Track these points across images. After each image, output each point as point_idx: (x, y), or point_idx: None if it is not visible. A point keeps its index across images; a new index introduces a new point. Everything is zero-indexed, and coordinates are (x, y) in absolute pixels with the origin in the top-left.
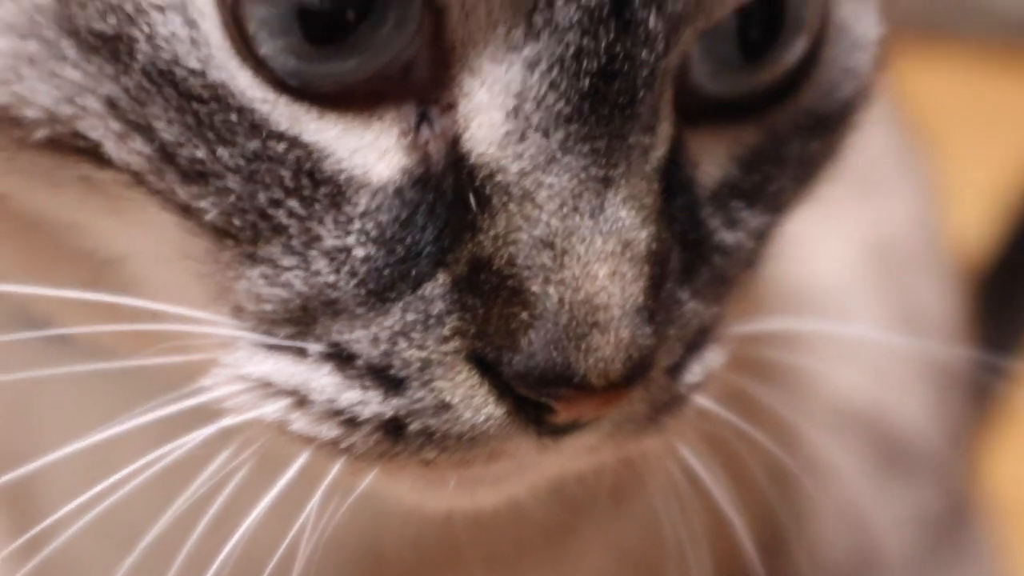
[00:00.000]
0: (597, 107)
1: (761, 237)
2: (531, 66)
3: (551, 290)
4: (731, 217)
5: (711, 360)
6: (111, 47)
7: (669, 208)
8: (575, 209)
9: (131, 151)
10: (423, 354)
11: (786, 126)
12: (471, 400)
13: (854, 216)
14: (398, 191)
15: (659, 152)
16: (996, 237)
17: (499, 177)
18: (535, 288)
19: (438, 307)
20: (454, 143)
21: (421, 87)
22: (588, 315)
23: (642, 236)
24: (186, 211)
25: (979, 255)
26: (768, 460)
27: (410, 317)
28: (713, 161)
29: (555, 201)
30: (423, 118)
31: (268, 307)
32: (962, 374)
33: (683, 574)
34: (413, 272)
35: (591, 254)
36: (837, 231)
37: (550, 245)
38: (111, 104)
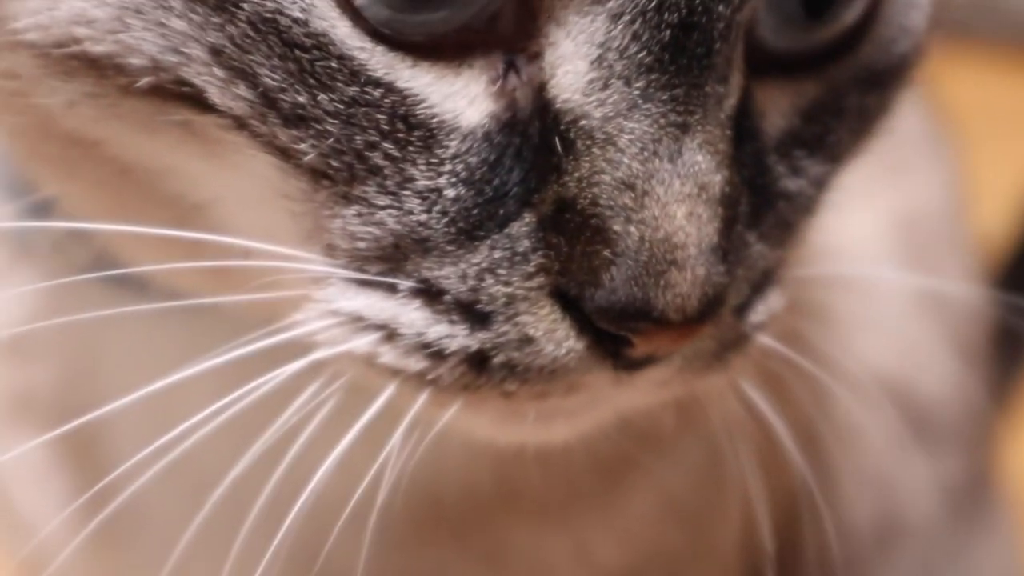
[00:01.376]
0: (676, 57)
1: (820, 185)
2: (615, 18)
3: (632, 229)
4: (794, 165)
5: (774, 301)
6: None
7: (739, 154)
8: (655, 153)
9: (235, 96)
10: (509, 289)
11: (845, 80)
12: (553, 334)
13: (885, 191)
14: (487, 135)
15: (731, 101)
16: (1015, 236)
17: (583, 122)
18: (617, 227)
19: (524, 245)
20: (540, 90)
21: (508, 36)
22: (667, 253)
23: (716, 179)
24: (285, 153)
25: (998, 253)
26: (805, 412)
27: (497, 254)
28: (778, 112)
29: (636, 145)
30: (510, 66)
31: (361, 244)
32: (983, 349)
33: (740, 512)
34: (500, 212)
35: (670, 195)
36: (869, 204)
37: (631, 187)
38: (216, 52)
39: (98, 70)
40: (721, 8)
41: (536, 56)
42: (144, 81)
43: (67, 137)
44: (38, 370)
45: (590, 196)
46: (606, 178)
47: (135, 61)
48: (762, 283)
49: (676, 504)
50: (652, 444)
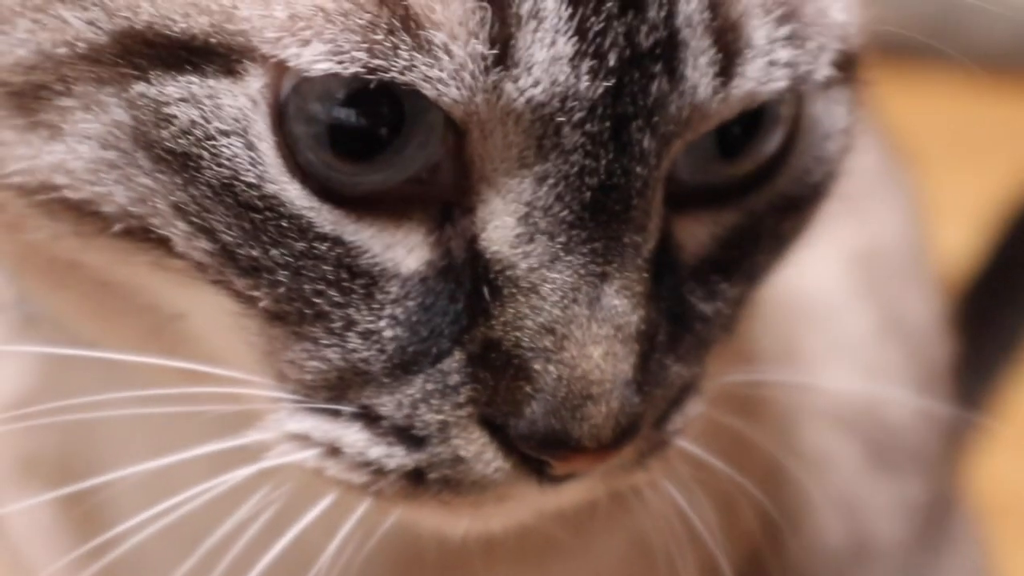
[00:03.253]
0: (596, 215)
1: (738, 304)
2: (540, 180)
3: (551, 368)
4: (711, 290)
5: (691, 410)
6: (180, 162)
7: (658, 289)
8: (574, 300)
9: (196, 248)
10: (441, 417)
11: (762, 208)
12: (482, 455)
13: (844, 227)
14: (423, 280)
15: (650, 245)
16: (979, 257)
17: (510, 272)
18: (537, 367)
19: (455, 379)
20: (472, 241)
21: (445, 191)
22: (583, 389)
23: (632, 320)
24: (242, 297)
25: (962, 275)
26: (768, 458)
27: (430, 386)
28: (695, 241)
29: (557, 294)
30: (447, 217)
31: (308, 376)
32: (944, 374)
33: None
34: (434, 350)
35: (587, 338)
36: (828, 240)
37: (551, 331)
38: (178, 209)
39: (77, 212)
40: (639, 169)
41: (470, 210)
42: (117, 226)
43: (53, 259)
44: (42, 435)
45: (513, 339)
46: (528, 323)
47: (108, 209)
48: (680, 396)
49: (643, 542)
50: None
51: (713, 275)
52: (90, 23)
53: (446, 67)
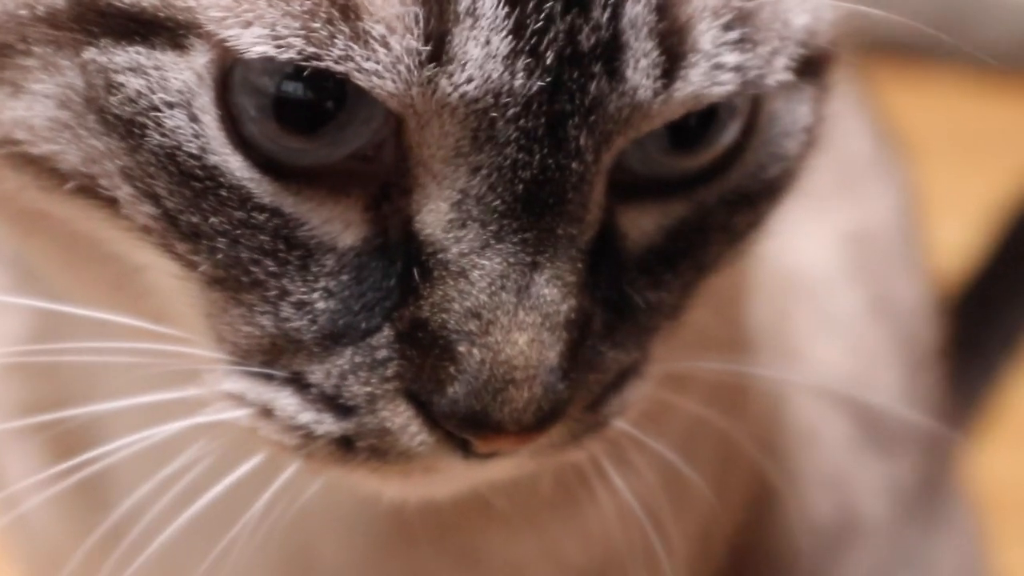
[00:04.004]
0: (529, 206)
1: (684, 293)
2: (474, 170)
3: (475, 351)
4: (655, 279)
5: (631, 394)
6: (126, 129)
7: (595, 278)
8: (502, 287)
9: (140, 212)
10: (368, 389)
11: (713, 200)
12: (407, 428)
13: (836, 208)
14: (358, 256)
15: (586, 236)
16: (979, 255)
17: (441, 255)
18: (462, 349)
19: (383, 353)
20: (407, 222)
21: (386, 170)
22: (506, 374)
23: (562, 309)
24: (183, 261)
25: (963, 272)
26: (759, 434)
27: (358, 359)
28: (641, 231)
29: (486, 280)
30: (385, 196)
31: (243, 341)
32: (931, 358)
33: (703, 514)
34: (364, 324)
35: (513, 324)
36: (821, 221)
37: (477, 316)
38: (125, 173)
39: (37, 167)
40: (574, 165)
41: (407, 192)
42: (71, 183)
43: (22, 209)
44: (40, 384)
45: (440, 320)
46: (456, 306)
47: (63, 167)
48: (619, 381)
49: (634, 508)
50: (612, 453)
51: (658, 265)
52: None
53: (382, 59)
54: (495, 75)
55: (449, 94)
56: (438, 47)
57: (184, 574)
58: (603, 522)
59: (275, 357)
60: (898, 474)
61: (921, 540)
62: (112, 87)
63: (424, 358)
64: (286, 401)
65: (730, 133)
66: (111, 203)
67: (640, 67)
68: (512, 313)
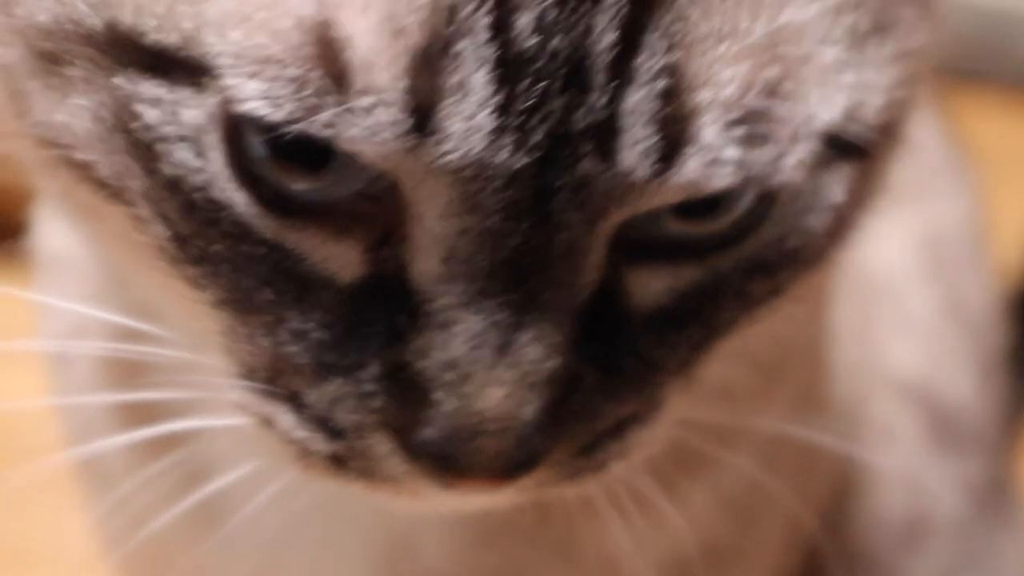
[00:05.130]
0: (515, 271)
1: (693, 352)
2: (462, 232)
3: (452, 399)
4: (660, 338)
5: (633, 440)
6: (143, 153)
7: (592, 333)
8: (482, 343)
9: (155, 231)
10: (355, 418)
11: (728, 267)
12: (389, 457)
13: (913, 212)
14: (353, 294)
15: (578, 299)
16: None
17: (427, 306)
18: (437, 396)
19: (369, 387)
20: (402, 268)
21: (386, 215)
22: (477, 425)
23: (543, 368)
24: (192, 283)
25: (1014, 286)
26: (839, 434)
27: (347, 389)
28: (649, 292)
29: (466, 335)
30: (384, 240)
31: (247, 358)
32: (1000, 361)
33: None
34: (354, 358)
35: (489, 379)
36: (898, 223)
37: (454, 367)
38: (144, 193)
39: (80, 171)
40: (562, 237)
41: (403, 240)
42: (106, 192)
43: (82, 202)
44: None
45: (420, 366)
46: (436, 355)
47: (100, 174)
48: (619, 428)
49: (729, 503)
50: (700, 459)
51: (665, 325)
52: (91, 6)
53: (368, 126)
54: (477, 149)
55: (434, 162)
56: (423, 119)
57: (285, 568)
58: (692, 522)
59: (276, 376)
60: (969, 474)
61: (988, 540)
62: (134, 114)
63: (405, 397)
64: (284, 417)
65: (742, 205)
66: (137, 217)
67: (636, 151)
68: (489, 368)
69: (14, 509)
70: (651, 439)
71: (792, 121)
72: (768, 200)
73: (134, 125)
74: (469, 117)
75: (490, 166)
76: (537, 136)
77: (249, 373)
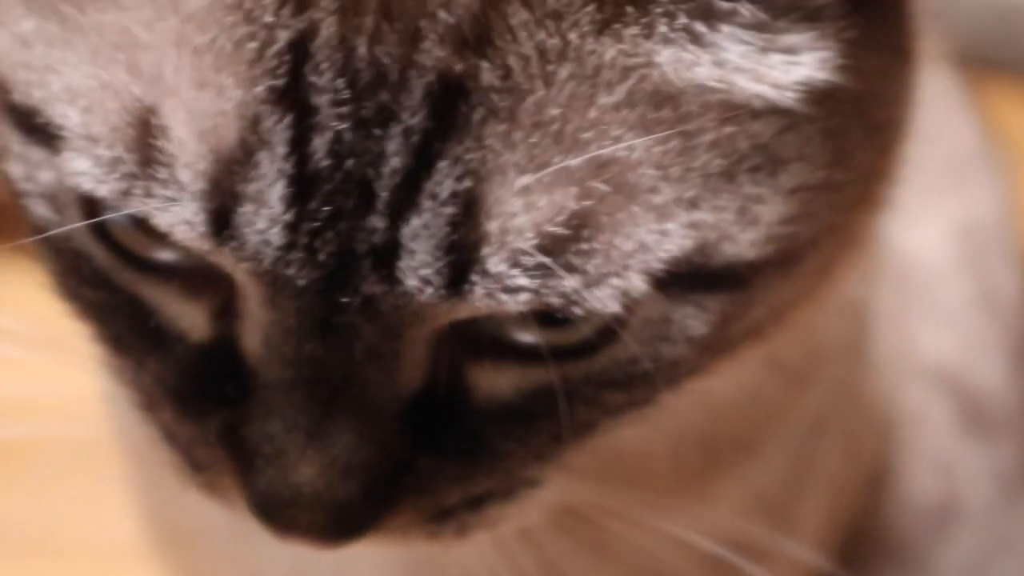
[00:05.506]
0: (321, 368)
1: (549, 444)
2: (274, 323)
3: (268, 469)
4: (505, 431)
5: (495, 513)
6: (20, 196)
7: (429, 421)
8: (294, 427)
9: (47, 259)
10: (206, 457)
11: (578, 376)
12: (239, 501)
13: (946, 200)
14: (200, 350)
15: (395, 395)
16: None
17: (252, 380)
18: (258, 462)
19: (211, 437)
20: (237, 339)
21: (226, 287)
22: (292, 496)
23: (356, 456)
24: (72, 315)
25: None
26: (876, 419)
27: (196, 433)
28: (493, 387)
29: (282, 416)
30: (227, 308)
31: (124, 388)
32: None
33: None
34: (201, 408)
35: (301, 460)
36: (932, 212)
37: (272, 441)
38: (37, 226)
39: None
40: (357, 348)
41: (237, 314)
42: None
43: None
44: None
45: (245, 432)
46: (256, 425)
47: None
48: (476, 502)
49: (763, 499)
50: (741, 448)
51: (511, 421)
52: None
53: (171, 218)
54: (268, 261)
55: (235, 261)
56: (222, 221)
57: (317, 568)
58: (732, 512)
59: (150, 407)
60: (999, 461)
61: (1018, 527)
62: (9, 160)
63: (238, 452)
64: (161, 445)
65: (583, 327)
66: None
67: (417, 275)
68: (301, 450)
69: (37, 497)
70: (521, 510)
71: (606, 254)
72: (621, 322)
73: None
74: (261, 231)
75: (282, 279)
76: (323, 255)
77: (132, 401)
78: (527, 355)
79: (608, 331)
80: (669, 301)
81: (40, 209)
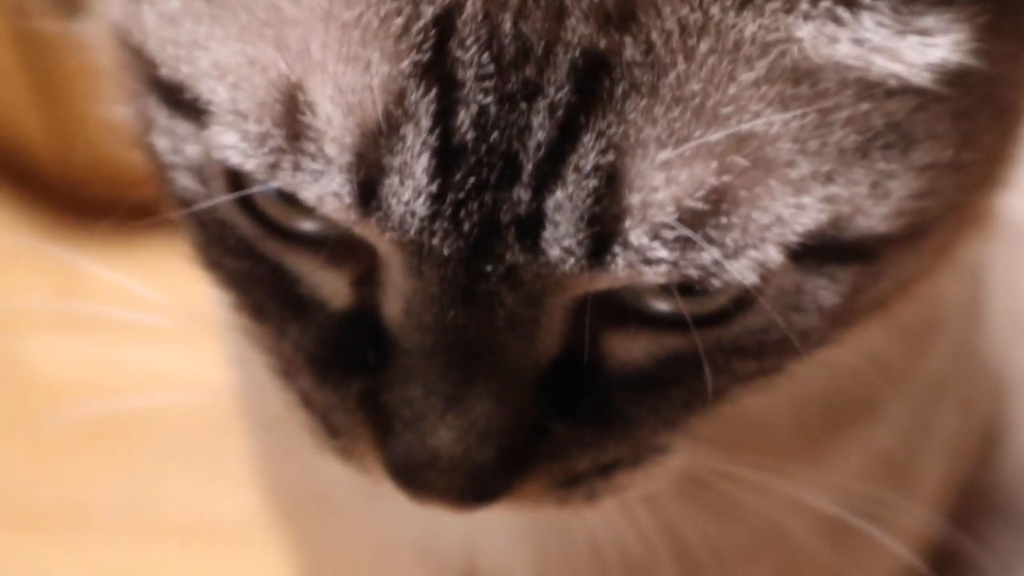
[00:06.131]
0: (460, 339)
1: (680, 412)
2: (415, 292)
3: (406, 433)
4: (639, 397)
5: (624, 479)
6: (163, 169)
7: (565, 389)
8: (435, 392)
9: (190, 230)
10: (343, 422)
11: (710, 344)
12: (375, 466)
13: None
14: (341, 319)
15: (533, 363)
16: None
17: (392, 347)
18: (397, 426)
19: (351, 404)
20: (378, 307)
21: (368, 256)
22: (430, 460)
23: (493, 422)
24: (214, 283)
25: None
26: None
27: (335, 399)
28: (628, 355)
29: (421, 381)
30: (369, 276)
31: (263, 355)
32: None
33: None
34: (340, 374)
35: (440, 424)
36: None
37: (411, 406)
38: (182, 191)
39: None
40: (499, 314)
41: (378, 283)
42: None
43: None
44: None
45: (385, 397)
46: (397, 391)
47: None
48: (607, 468)
49: (883, 461)
50: (862, 411)
51: (645, 386)
52: (132, 26)
53: (318, 190)
54: (413, 231)
55: (380, 232)
56: (368, 193)
57: (443, 539)
58: (853, 474)
59: (288, 374)
60: None
61: None
62: (152, 136)
63: (378, 419)
64: (298, 410)
65: (719, 297)
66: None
67: (561, 246)
68: (440, 414)
69: (150, 475)
70: (649, 477)
71: (744, 227)
72: (747, 294)
73: (145, 137)
74: (407, 202)
75: (426, 248)
76: (467, 225)
77: (271, 368)
78: (662, 323)
79: (743, 300)
80: (802, 272)
81: (186, 181)
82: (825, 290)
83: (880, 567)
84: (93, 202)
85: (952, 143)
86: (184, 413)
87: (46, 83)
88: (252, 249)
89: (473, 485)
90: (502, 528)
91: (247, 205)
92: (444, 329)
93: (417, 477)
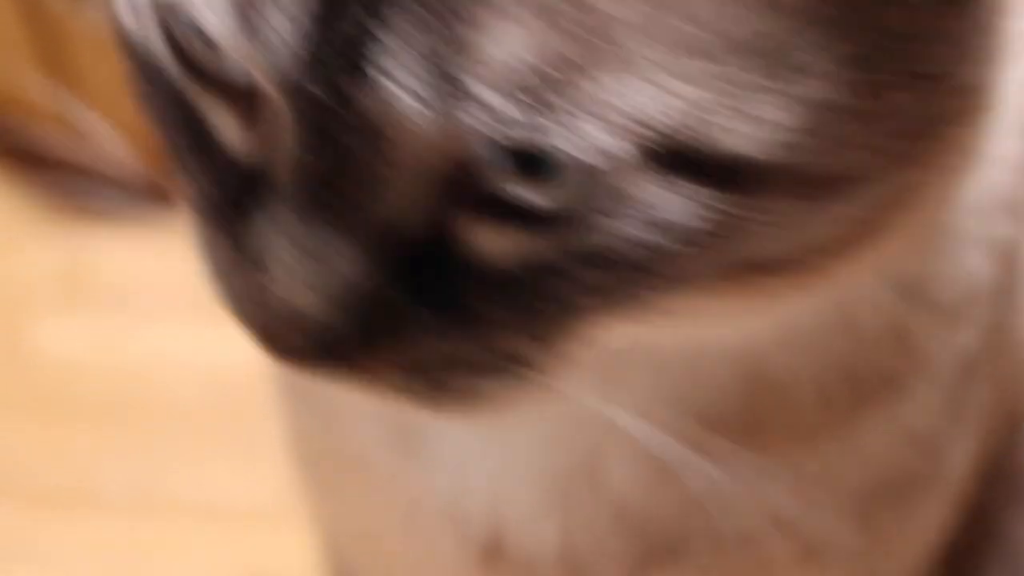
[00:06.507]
0: (317, 186)
1: (528, 316)
2: (284, 132)
3: (264, 276)
4: (490, 295)
5: (478, 384)
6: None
7: (428, 279)
8: (293, 240)
9: (135, 80)
10: (225, 264)
11: (568, 249)
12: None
13: None
14: (236, 163)
15: (389, 231)
16: None
17: (266, 189)
18: (257, 277)
19: (233, 250)
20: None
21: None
22: (276, 307)
23: (347, 282)
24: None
25: None
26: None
27: (225, 244)
28: (492, 250)
29: (281, 226)
30: (256, 118)
31: (189, 211)
32: None
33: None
34: (230, 220)
35: (295, 272)
36: None
37: (270, 250)
38: (125, 42)
39: None
40: (352, 162)
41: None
42: None
43: None
44: None
45: (250, 241)
46: (261, 233)
47: None
48: (461, 366)
49: (912, 439)
50: (888, 383)
51: (508, 288)
52: None
53: (212, 14)
54: (281, 64)
55: (255, 65)
56: (246, 22)
57: (471, 495)
58: (882, 450)
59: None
60: None
61: None
62: None
63: (248, 264)
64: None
65: (563, 181)
66: None
67: (407, 94)
68: (296, 261)
69: (167, 457)
70: (509, 391)
71: (592, 102)
72: (587, 187)
73: None
74: (279, 32)
75: (282, 81)
76: (321, 55)
77: (189, 199)
78: (525, 220)
79: (590, 197)
80: (658, 181)
81: (128, 20)
82: (683, 208)
83: (906, 549)
84: (101, 181)
85: (847, 85)
86: (195, 393)
87: (55, 59)
88: (180, 96)
89: (316, 339)
90: (527, 498)
91: (174, 45)
92: (301, 169)
93: (265, 322)
